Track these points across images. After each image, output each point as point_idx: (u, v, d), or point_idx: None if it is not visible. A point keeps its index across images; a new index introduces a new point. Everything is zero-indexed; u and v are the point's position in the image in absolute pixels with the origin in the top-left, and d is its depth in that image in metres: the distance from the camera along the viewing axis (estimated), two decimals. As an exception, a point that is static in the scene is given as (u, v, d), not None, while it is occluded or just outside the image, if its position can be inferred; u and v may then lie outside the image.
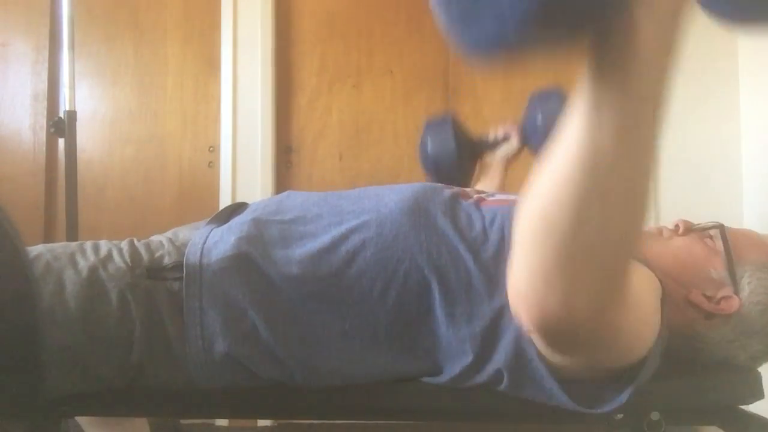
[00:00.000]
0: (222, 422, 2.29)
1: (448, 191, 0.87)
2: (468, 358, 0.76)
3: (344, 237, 0.80)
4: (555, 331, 0.53)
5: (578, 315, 0.51)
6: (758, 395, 0.83)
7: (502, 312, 0.74)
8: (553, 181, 0.48)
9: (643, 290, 0.71)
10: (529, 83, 2.52)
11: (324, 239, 0.80)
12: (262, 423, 2.30)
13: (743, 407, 0.84)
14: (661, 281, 0.77)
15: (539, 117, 1.15)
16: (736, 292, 0.81)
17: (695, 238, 0.86)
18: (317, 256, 0.79)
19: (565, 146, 0.47)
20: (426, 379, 0.80)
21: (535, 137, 1.18)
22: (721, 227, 0.85)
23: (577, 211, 0.47)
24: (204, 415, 1.89)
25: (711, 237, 0.85)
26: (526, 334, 0.73)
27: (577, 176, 0.46)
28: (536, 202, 0.50)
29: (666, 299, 0.75)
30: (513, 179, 2.46)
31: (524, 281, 0.51)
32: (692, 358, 0.85)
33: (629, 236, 0.49)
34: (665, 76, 0.45)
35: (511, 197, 0.87)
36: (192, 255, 0.79)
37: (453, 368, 0.77)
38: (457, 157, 1.15)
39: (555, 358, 0.72)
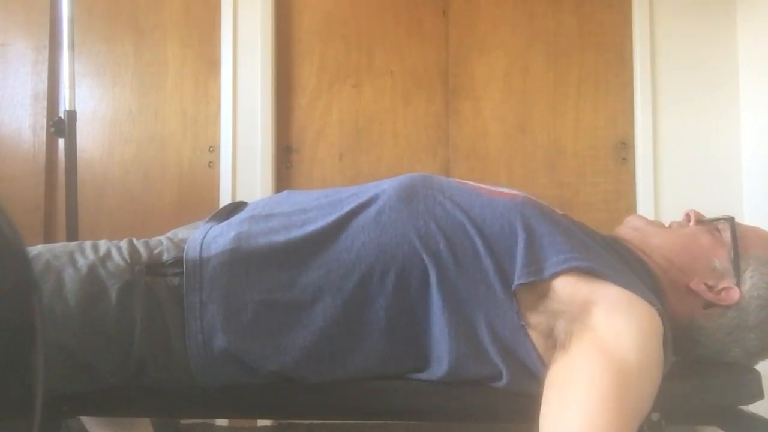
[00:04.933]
0: (222, 422, 2.29)
1: (445, 178, 0.88)
2: (462, 348, 0.76)
3: (344, 221, 0.80)
4: None
5: None
6: (758, 395, 0.83)
7: (499, 300, 0.75)
8: None
9: (644, 364, 0.68)
10: (529, 83, 2.52)
11: (324, 222, 0.80)
12: (262, 423, 2.30)
13: (743, 407, 0.84)
14: (663, 268, 0.77)
15: None
16: (738, 284, 0.82)
17: (703, 228, 0.87)
18: (318, 239, 0.79)
19: None
20: (424, 375, 0.80)
21: None
22: (731, 220, 0.86)
23: None
24: (204, 415, 1.90)
25: (719, 229, 0.86)
26: (523, 328, 0.73)
27: None
28: None
29: (668, 338, 0.73)
30: (517, 178, 2.46)
31: None
32: (688, 349, 0.85)
33: None
34: None
35: (512, 191, 0.87)
36: (192, 250, 0.79)
37: (448, 358, 0.77)
38: None
39: (542, 342, 0.73)
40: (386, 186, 0.84)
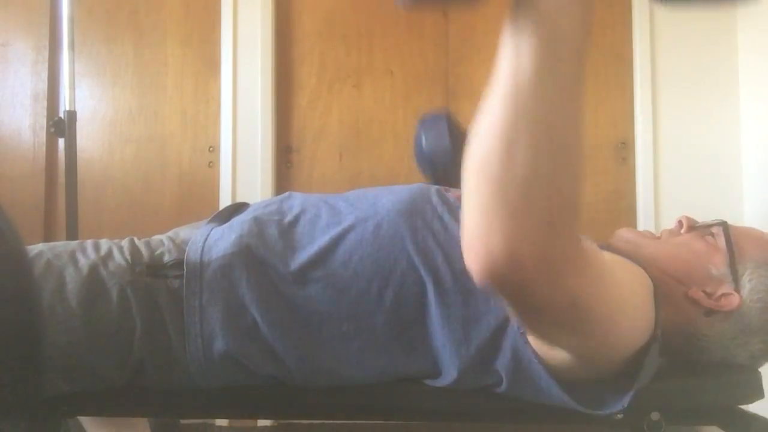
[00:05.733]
0: (222, 422, 2.29)
1: (444, 193, 0.88)
2: (465, 360, 0.76)
3: (341, 237, 0.80)
4: (504, 281, 0.51)
5: (523, 260, 0.50)
6: (758, 395, 0.83)
7: (499, 312, 0.75)
8: (485, 120, 0.51)
9: (625, 280, 0.70)
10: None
11: (322, 241, 0.80)
12: (262, 423, 2.30)
13: (743, 407, 0.84)
14: (658, 279, 0.77)
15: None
16: (737, 289, 0.81)
17: (696, 235, 0.86)
18: (315, 258, 0.79)
19: (494, 86, 0.51)
20: (428, 382, 0.80)
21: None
22: (724, 224, 0.85)
23: (506, 144, 0.48)
24: (204, 415, 1.90)
25: (713, 234, 0.85)
26: (523, 336, 0.73)
27: (503, 109, 0.49)
28: (473, 144, 0.52)
29: (659, 296, 0.74)
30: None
31: (470, 228, 0.52)
32: (693, 357, 0.85)
33: (562, 173, 0.50)
34: (581, 6, 0.48)
35: None
36: (193, 253, 0.79)
37: (451, 370, 0.77)
38: (453, 154, 1.06)
39: (543, 348, 0.72)
40: (385, 200, 0.84)
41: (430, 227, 0.80)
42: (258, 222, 0.83)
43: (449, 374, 0.77)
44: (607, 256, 0.70)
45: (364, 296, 0.77)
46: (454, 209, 0.84)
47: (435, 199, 0.85)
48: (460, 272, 0.76)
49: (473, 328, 0.75)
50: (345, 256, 0.79)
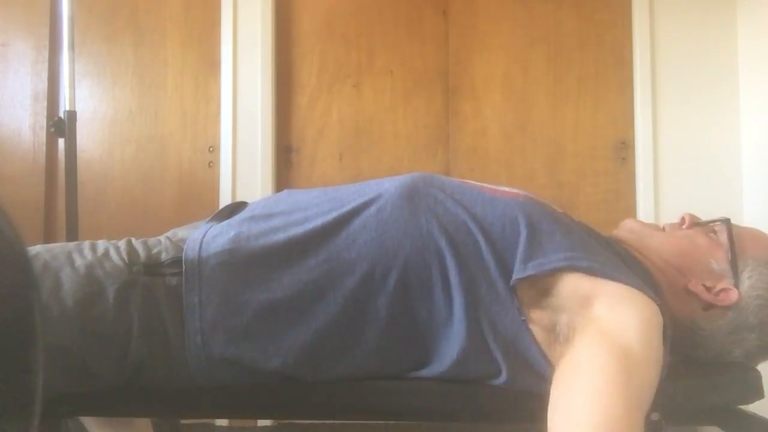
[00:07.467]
0: (222, 422, 2.29)
1: (447, 177, 0.88)
2: (467, 342, 0.76)
3: (345, 220, 0.80)
4: None
5: None
6: (758, 395, 0.83)
7: (499, 296, 0.75)
8: None
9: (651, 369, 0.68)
10: (529, 83, 2.52)
11: (324, 220, 0.80)
12: (262, 423, 2.30)
13: (743, 407, 0.84)
14: (661, 269, 0.77)
15: None
16: (736, 285, 0.82)
17: (699, 230, 0.87)
18: (319, 236, 0.79)
19: None
20: (423, 372, 0.80)
21: None
22: (727, 222, 0.86)
23: None
24: (204, 415, 1.90)
25: (715, 231, 0.86)
26: (524, 323, 0.73)
27: None
28: None
29: (668, 330, 0.73)
30: (517, 178, 2.46)
31: None
32: (689, 352, 0.85)
33: None
34: None
35: (513, 190, 0.87)
36: (191, 250, 0.79)
37: (450, 353, 0.77)
38: None
39: (545, 341, 0.73)
40: (388, 185, 0.84)
41: (434, 211, 0.80)
42: (257, 219, 0.83)
43: (447, 359, 0.77)
44: (622, 312, 0.69)
45: (367, 280, 0.77)
46: (457, 193, 0.83)
47: (438, 183, 0.84)
48: (464, 255, 0.77)
49: (475, 311, 0.76)
50: (348, 239, 0.78)
